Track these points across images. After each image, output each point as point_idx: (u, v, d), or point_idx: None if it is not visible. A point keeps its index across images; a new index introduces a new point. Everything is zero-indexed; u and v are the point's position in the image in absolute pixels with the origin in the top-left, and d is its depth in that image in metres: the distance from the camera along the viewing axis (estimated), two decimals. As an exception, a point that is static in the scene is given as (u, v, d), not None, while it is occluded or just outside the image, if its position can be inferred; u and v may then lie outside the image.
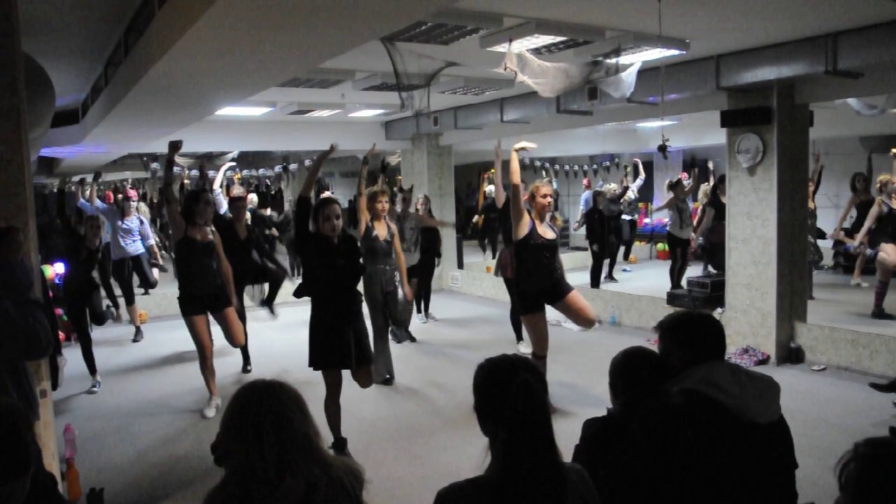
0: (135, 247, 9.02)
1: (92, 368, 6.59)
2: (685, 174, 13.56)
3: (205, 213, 5.71)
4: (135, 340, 8.64)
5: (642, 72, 6.03)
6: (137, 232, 9.07)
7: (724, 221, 9.30)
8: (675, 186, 10.31)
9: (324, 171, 18.83)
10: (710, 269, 9.78)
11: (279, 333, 8.51)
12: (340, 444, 4.82)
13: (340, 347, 4.72)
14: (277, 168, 17.38)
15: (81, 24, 5.64)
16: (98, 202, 9.46)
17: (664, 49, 5.82)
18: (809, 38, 5.93)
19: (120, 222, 8.89)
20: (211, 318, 5.89)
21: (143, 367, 7.42)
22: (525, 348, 7.46)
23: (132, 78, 5.52)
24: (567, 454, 2.02)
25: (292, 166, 16.86)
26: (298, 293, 5.01)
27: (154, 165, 15.20)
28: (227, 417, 1.78)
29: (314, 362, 4.75)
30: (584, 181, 15.48)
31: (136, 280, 9.36)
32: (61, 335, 7.05)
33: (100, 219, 7.06)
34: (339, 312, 4.74)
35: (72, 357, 6.66)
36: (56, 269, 8.46)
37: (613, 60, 5.77)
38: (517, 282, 5.59)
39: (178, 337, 8.67)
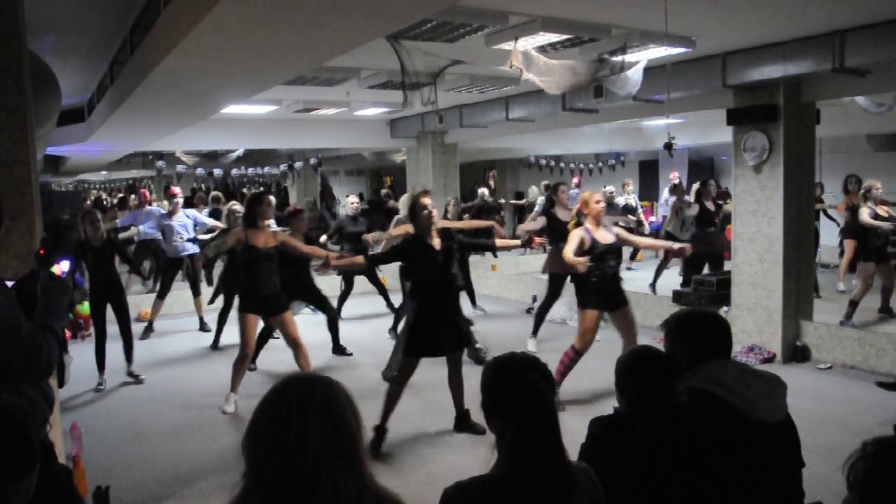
0: (188, 247, 8.85)
1: (101, 366, 6.60)
2: (675, 173, 13.21)
3: (266, 213, 5.87)
4: (143, 338, 8.64)
5: (648, 70, 6.01)
6: (189, 229, 8.95)
7: (710, 230, 9.25)
8: (675, 189, 10.24)
9: (328, 169, 18.86)
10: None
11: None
12: (380, 431, 4.97)
13: (435, 338, 4.97)
14: (282, 166, 17.42)
15: (87, 23, 5.66)
16: (142, 227, 9.56)
17: (670, 47, 5.81)
18: (816, 35, 5.90)
19: (168, 221, 8.87)
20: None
21: (150, 366, 7.41)
22: (533, 347, 7.52)
23: (138, 76, 5.53)
24: (574, 453, 2.02)
25: (297, 164, 16.88)
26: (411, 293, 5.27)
27: (159, 163, 15.26)
28: (266, 401, 1.51)
29: (409, 350, 5.02)
30: (575, 179, 15.35)
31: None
32: (67, 333, 7.05)
33: (95, 213, 7.03)
34: (438, 306, 4.97)
35: (79, 354, 6.67)
36: (62, 267, 8.46)
37: (619, 58, 5.76)
38: (588, 281, 5.59)
39: (184, 335, 8.71)
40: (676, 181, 10.92)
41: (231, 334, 8.08)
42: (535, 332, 7.66)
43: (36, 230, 3.67)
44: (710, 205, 9.09)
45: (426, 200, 5.01)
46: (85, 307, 8.61)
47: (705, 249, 9.00)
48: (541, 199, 14.16)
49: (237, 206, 8.22)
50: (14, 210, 3.54)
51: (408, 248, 5.10)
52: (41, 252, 2.60)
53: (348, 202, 9.16)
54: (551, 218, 7.77)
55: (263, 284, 5.76)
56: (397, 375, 5.11)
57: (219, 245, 6.69)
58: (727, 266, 8.47)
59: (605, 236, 5.54)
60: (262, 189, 6.54)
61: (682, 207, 9.86)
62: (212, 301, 8.58)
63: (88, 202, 19.12)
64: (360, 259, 5.52)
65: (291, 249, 5.97)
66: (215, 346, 8.10)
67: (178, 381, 6.82)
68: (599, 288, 5.51)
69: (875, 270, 7.83)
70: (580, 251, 5.46)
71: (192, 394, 6.36)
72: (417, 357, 5.02)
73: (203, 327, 8.87)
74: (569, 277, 7.52)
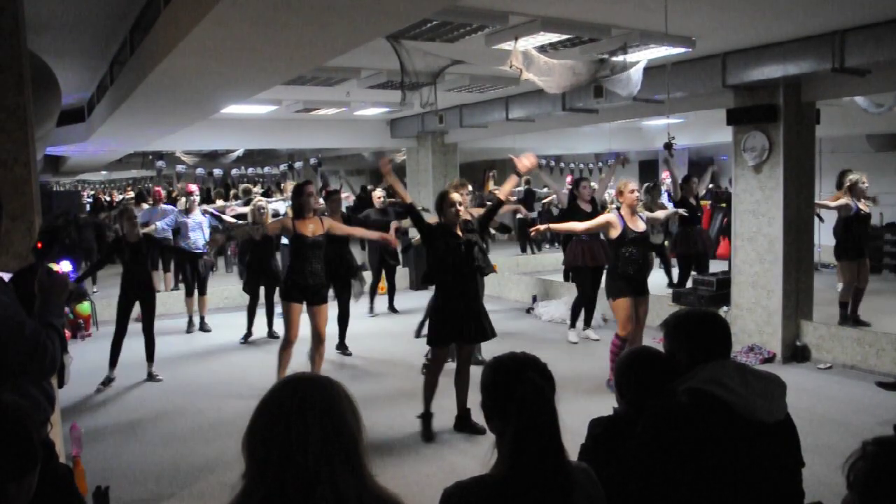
0: (200, 244, 8.94)
1: (114, 361, 6.60)
2: (666, 173, 13.09)
3: (309, 204, 5.95)
4: (188, 331, 8.79)
5: (648, 70, 6.00)
6: (205, 226, 9.06)
7: (698, 227, 9.26)
8: (651, 191, 10.18)
9: (328, 168, 18.87)
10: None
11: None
12: (427, 417, 5.17)
13: (458, 324, 5.09)
14: (282, 166, 17.43)
15: (87, 23, 5.66)
16: (159, 223, 9.53)
17: (670, 47, 5.80)
18: (816, 35, 5.90)
19: (185, 219, 8.95)
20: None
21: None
22: (574, 337, 7.82)
23: (138, 76, 5.53)
24: (573, 453, 2.02)
25: (297, 164, 16.89)
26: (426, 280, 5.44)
27: (159, 163, 15.27)
28: (266, 401, 1.51)
29: (435, 339, 5.13)
30: (568, 178, 15.33)
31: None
32: (67, 333, 7.05)
33: (132, 209, 7.12)
34: (458, 295, 5.09)
35: (79, 354, 6.65)
36: (63, 267, 8.44)
37: (619, 58, 5.75)
38: (615, 269, 5.84)
39: (184, 336, 8.70)
40: (652, 183, 10.76)
41: (260, 330, 8.33)
42: (573, 324, 7.91)
43: (36, 230, 3.67)
44: (692, 202, 9.10)
45: (455, 197, 5.12)
46: (85, 307, 8.61)
47: (690, 249, 8.99)
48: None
49: (262, 202, 8.49)
50: (14, 210, 3.54)
51: (433, 233, 5.16)
52: (39, 245, 2.58)
53: (375, 196, 9.26)
54: (573, 210, 7.83)
55: (309, 273, 5.86)
56: (431, 364, 5.29)
57: (255, 230, 7.02)
58: (724, 266, 8.47)
59: (639, 225, 5.83)
60: (304, 181, 6.75)
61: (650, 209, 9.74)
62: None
63: (86, 200, 19.20)
64: (408, 197, 5.54)
65: (339, 233, 6.23)
66: (246, 339, 8.24)
67: (178, 381, 6.81)
68: (625, 275, 5.74)
69: (856, 268, 7.80)
70: (614, 237, 5.78)
71: (192, 394, 6.36)
72: (445, 344, 5.17)
73: (203, 327, 8.88)
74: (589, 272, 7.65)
